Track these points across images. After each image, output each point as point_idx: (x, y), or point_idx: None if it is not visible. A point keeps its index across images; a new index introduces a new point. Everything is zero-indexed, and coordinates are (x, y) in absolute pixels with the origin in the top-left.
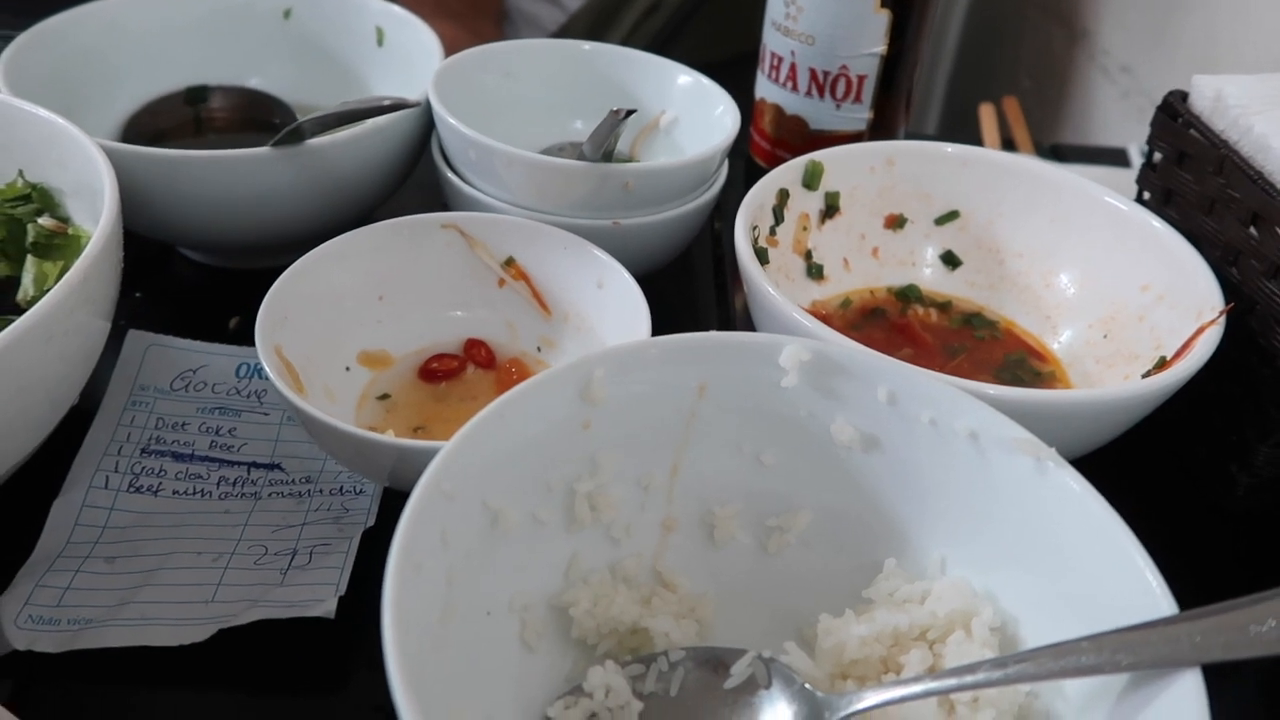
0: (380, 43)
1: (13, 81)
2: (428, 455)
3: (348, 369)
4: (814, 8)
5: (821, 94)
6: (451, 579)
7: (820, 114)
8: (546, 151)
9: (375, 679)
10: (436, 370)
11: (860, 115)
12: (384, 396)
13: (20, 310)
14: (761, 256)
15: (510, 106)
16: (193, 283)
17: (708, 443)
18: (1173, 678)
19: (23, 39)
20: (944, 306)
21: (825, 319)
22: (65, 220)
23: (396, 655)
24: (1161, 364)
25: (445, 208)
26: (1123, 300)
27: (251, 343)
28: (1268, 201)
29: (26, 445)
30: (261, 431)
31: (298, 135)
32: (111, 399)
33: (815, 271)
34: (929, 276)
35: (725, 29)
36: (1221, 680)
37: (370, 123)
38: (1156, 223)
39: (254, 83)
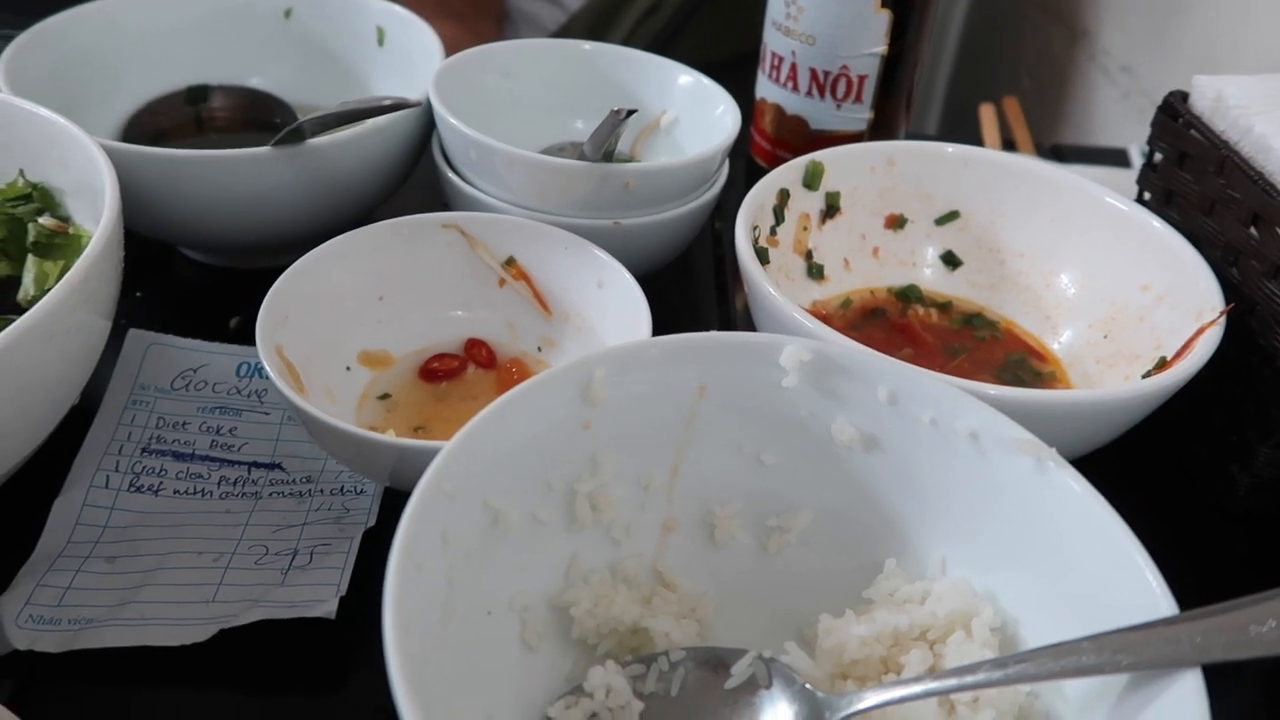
0: (381, 42)
1: (13, 81)
2: (428, 455)
3: (348, 369)
4: (814, 8)
5: (822, 94)
6: (452, 579)
7: (821, 114)
8: (547, 151)
9: (376, 679)
10: (437, 370)
11: (861, 115)
12: (385, 396)
13: (21, 310)
14: (762, 256)
15: (511, 106)
16: (193, 282)
17: (708, 443)
18: (1173, 678)
19: (23, 38)
20: (944, 307)
21: (826, 319)
22: (66, 220)
23: (397, 655)
24: (1162, 364)
25: (446, 208)
26: (1123, 300)
27: (252, 342)
28: (1268, 202)
29: (27, 445)
30: (262, 431)
31: (298, 135)
32: (112, 398)
33: (816, 271)
34: (929, 276)
35: (726, 29)
36: (1222, 681)
37: (371, 122)
38: (1157, 223)
39: (255, 82)
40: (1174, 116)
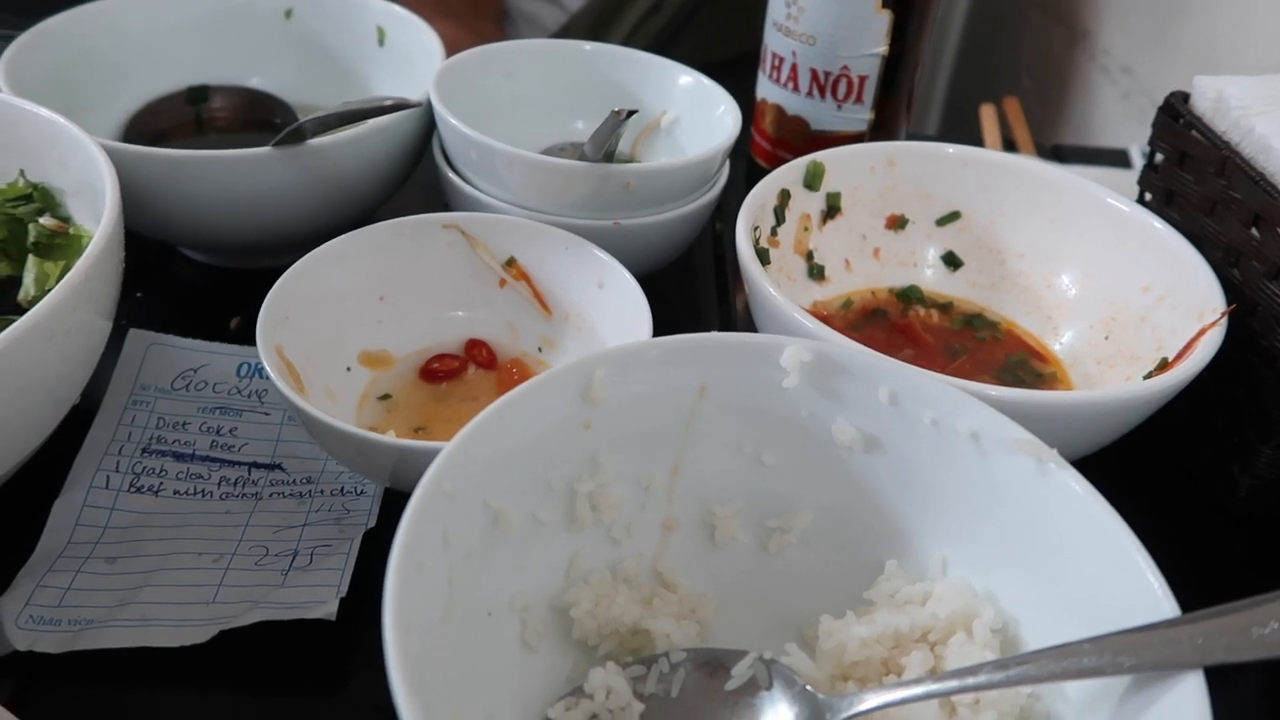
0: (381, 43)
1: (14, 81)
2: (429, 456)
3: (349, 369)
4: (815, 8)
5: (823, 94)
6: (452, 579)
7: (821, 114)
8: (547, 152)
9: (376, 679)
10: (437, 370)
11: (861, 116)
12: (385, 397)
13: (21, 310)
14: (763, 257)
15: (511, 107)
16: (194, 282)
17: (708, 443)
18: (1174, 680)
19: (24, 39)
20: (945, 307)
21: (826, 320)
22: (66, 220)
23: (397, 655)
24: (1163, 365)
25: (446, 208)
26: (1124, 301)
27: (252, 342)
28: (1269, 203)
29: (28, 445)
30: (262, 431)
31: (299, 135)
32: (112, 398)
33: (816, 272)
34: (930, 277)
35: (726, 29)
36: (1223, 682)
37: (371, 123)
38: (1158, 224)
39: (255, 82)
40: (1175, 117)
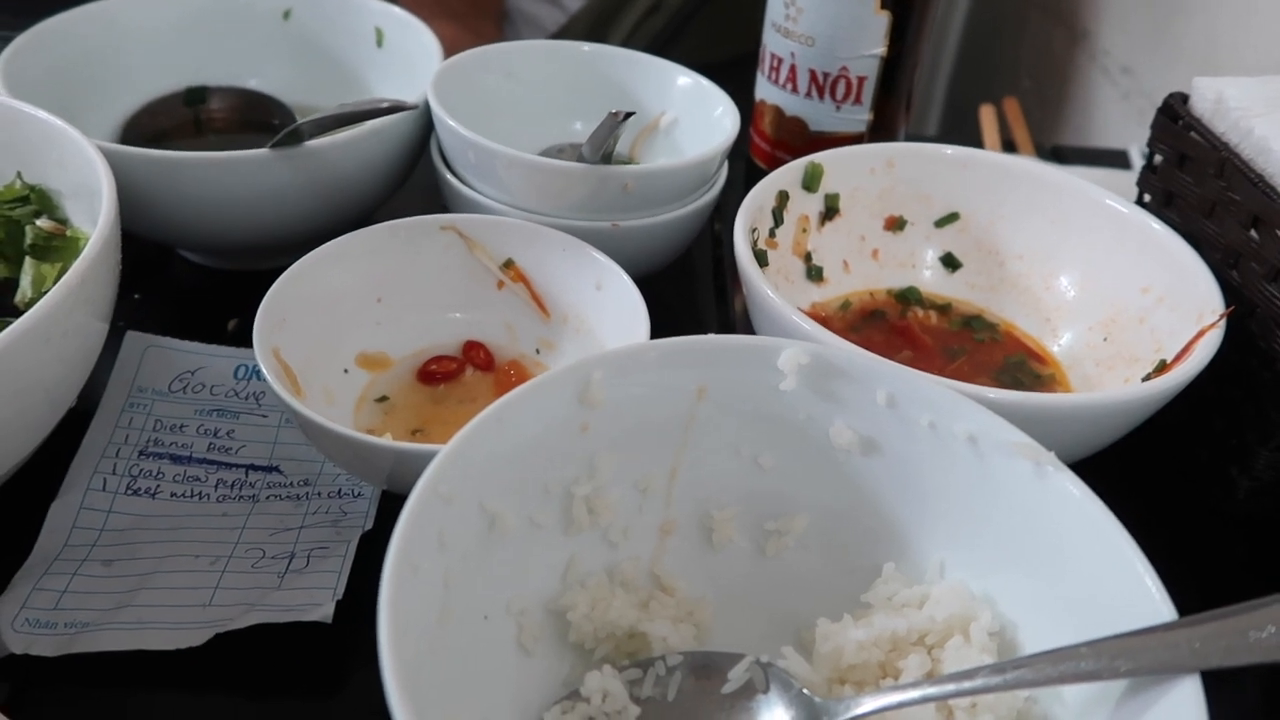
0: (380, 44)
1: (12, 82)
2: (425, 458)
3: (346, 371)
4: (814, 9)
5: (821, 95)
6: (449, 582)
7: (820, 115)
8: (546, 153)
9: (373, 682)
10: (435, 372)
11: (860, 117)
12: (382, 399)
13: (18, 312)
14: (761, 259)
15: (510, 107)
16: (191, 284)
17: (706, 445)
18: (1172, 684)
19: (22, 40)
20: (944, 309)
21: (825, 321)
22: (64, 222)
23: (392, 658)
24: (1162, 367)
25: (444, 209)
26: (1123, 303)
27: (250, 344)
28: (1268, 204)
29: (24, 447)
30: (260, 434)
31: (296, 137)
32: (109, 400)
33: (815, 273)
34: (929, 278)
35: (726, 30)
36: (1221, 686)
37: (369, 124)
38: (1157, 225)
39: (253, 83)
40: (1174, 118)
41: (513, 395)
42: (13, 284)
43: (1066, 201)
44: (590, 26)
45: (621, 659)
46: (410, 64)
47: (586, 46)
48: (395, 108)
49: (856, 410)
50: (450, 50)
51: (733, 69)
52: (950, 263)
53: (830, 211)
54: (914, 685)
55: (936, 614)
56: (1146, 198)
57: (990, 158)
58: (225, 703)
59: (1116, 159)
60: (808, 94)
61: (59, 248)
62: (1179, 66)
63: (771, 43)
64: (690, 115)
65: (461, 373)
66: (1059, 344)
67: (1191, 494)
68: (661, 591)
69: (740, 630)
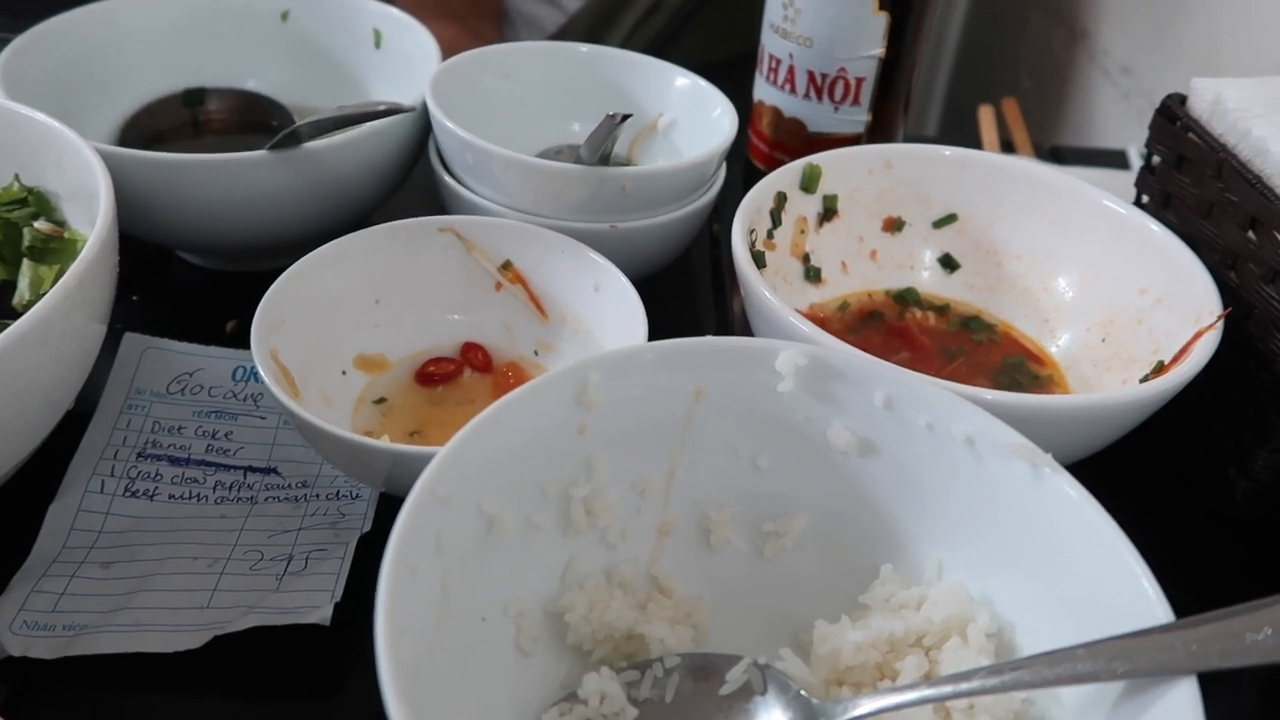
0: (378, 45)
1: (10, 84)
2: (423, 460)
3: (344, 373)
4: (812, 10)
5: (820, 96)
6: (446, 584)
7: (818, 116)
8: (544, 154)
9: (371, 685)
10: (433, 374)
11: (858, 118)
12: (380, 400)
13: (16, 314)
14: (759, 260)
15: (508, 109)
16: (190, 286)
17: (704, 447)
18: (1169, 686)
19: (19, 41)
20: (942, 309)
21: (823, 322)
22: (61, 224)
23: (389, 661)
24: (1159, 368)
25: (443, 211)
26: (1121, 304)
27: (248, 346)
28: (1266, 206)
29: (23, 449)
30: (258, 435)
31: (295, 138)
32: (108, 402)
33: (813, 274)
34: (927, 279)
35: (725, 30)
36: (1217, 688)
37: (367, 126)
38: (1155, 226)
39: (251, 84)
40: (1172, 119)
41: (511, 397)
42: (10, 286)
43: (1065, 202)
44: (589, 27)
45: (619, 660)
46: (409, 65)
47: (584, 48)
48: (391, 110)
49: (854, 412)
50: (449, 51)
51: (731, 70)
52: (948, 264)
53: (828, 212)
54: (911, 687)
55: (934, 615)
56: (1145, 199)
57: (988, 158)
58: (223, 705)
59: (1115, 159)
60: (806, 95)
61: (57, 250)
62: (1179, 67)
63: (770, 44)
64: (688, 116)
65: (460, 374)
66: (1057, 345)
67: (1189, 495)
68: (659, 593)
69: (738, 632)
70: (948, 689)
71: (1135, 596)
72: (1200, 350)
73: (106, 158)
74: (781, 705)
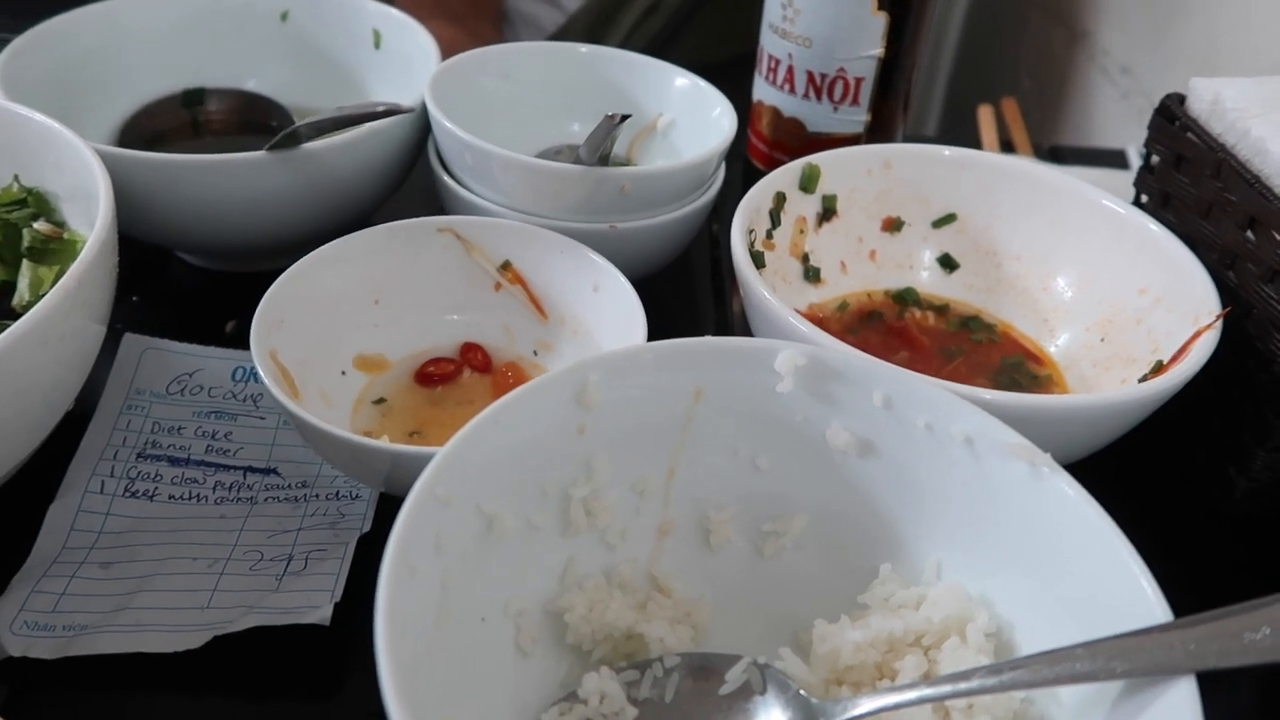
0: (378, 45)
1: (9, 85)
2: (423, 460)
3: (343, 373)
4: (811, 10)
5: (819, 96)
6: (446, 584)
7: (818, 116)
8: (543, 154)
9: (371, 684)
10: (433, 374)
11: (858, 118)
12: (380, 401)
13: (16, 315)
14: (758, 260)
15: (508, 109)
16: (189, 286)
17: (703, 447)
18: (1167, 685)
19: (19, 42)
20: (941, 309)
21: (822, 322)
22: (61, 225)
23: (389, 660)
24: (1158, 368)
25: (442, 211)
26: (1120, 303)
27: (248, 346)
28: (1265, 205)
29: (22, 449)
30: (257, 436)
31: (294, 139)
32: (107, 403)
33: (812, 275)
34: (926, 279)
35: (724, 30)
36: (1216, 688)
37: (367, 126)
38: (1154, 226)
39: (251, 85)
40: (1171, 119)
41: (510, 397)
42: (10, 287)
43: (1064, 202)
44: (589, 27)
45: (619, 660)
46: (408, 65)
47: (584, 48)
48: (390, 111)
49: (853, 412)
50: (449, 51)
51: (731, 70)
52: (948, 263)
53: (828, 212)
54: (911, 686)
55: (933, 615)
56: (1144, 198)
57: (988, 158)
58: (223, 705)
59: (1114, 159)
60: (805, 95)
61: (56, 250)
62: (1178, 67)
63: (769, 44)
64: (688, 116)
65: (459, 374)
66: (1056, 345)
67: (1188, 495)
68: (659, 593)
69: (737, 631)
70: (947, 688)
71: (1134, 596)
72: (1199, 350)
73: (106, 158)
74: (781, 705)
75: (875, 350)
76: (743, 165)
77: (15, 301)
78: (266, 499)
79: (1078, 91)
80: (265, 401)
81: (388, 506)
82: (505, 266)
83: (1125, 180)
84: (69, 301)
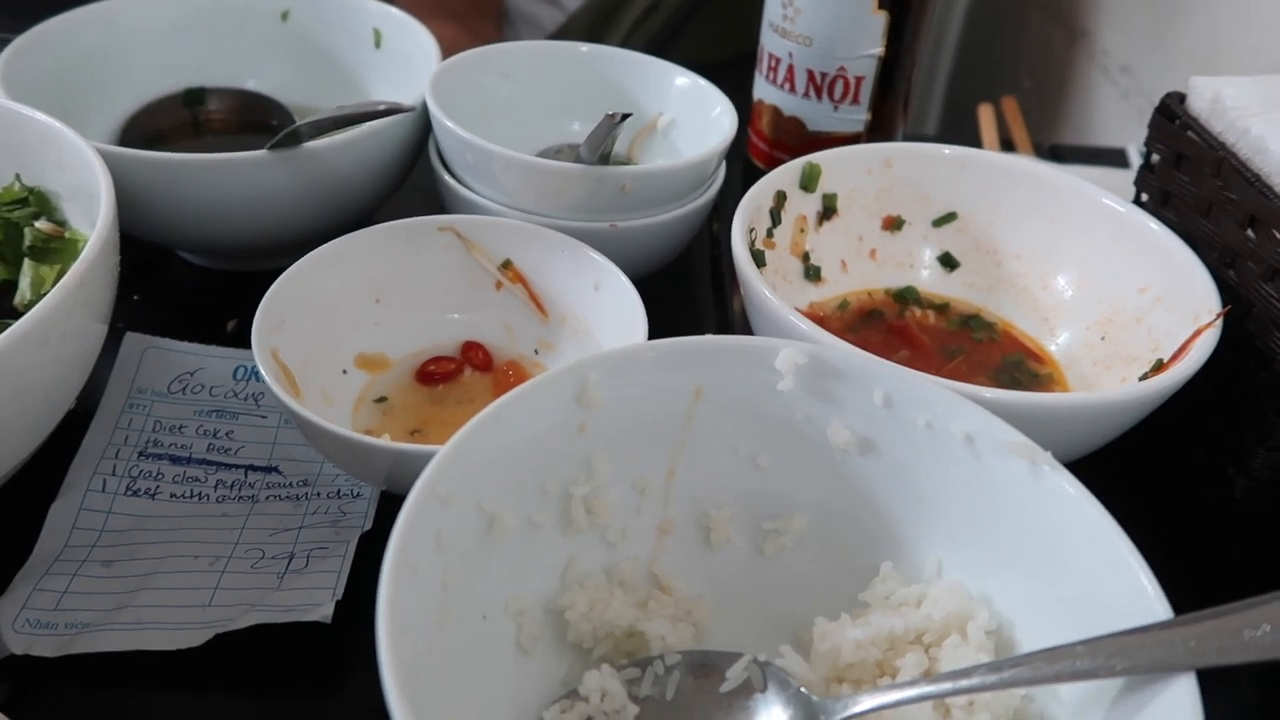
0: (378, 44)
1: (11, 84)
2: (424, 459)
3: (345, 372)
4: (811, 9)
5: (819, 95)
6: (447, 582)
7: (818, 115)
8: (544, 153)
9: (372, 682)
10: (434, 373)
11: (858, 117)
12: (381, 399)
13: (17, 314)
14: (759, 259)
15: (508, 108)
16: (190, 285)
17: (704, 446)
18: (1167, 682)
19: (20, 42)
20: (942, 308)
21: (822, 321)
22: (62, 224)
23: (390, 659)
24: (1159, 366)
25: (443, 210)
26: (1120, 302)
27: (249, 345)
28: (1265, 204)
29: (24, 448)
30: (259, 434)
31: (295, 138)
32: (109, 401)
33: (813, 273)
34: (927, 278)
35: (725, 29)
36: (1216, 685)
37: (367, 126)
38: (1154, 225)
39: (251, 84)
40: (1171, 118)
41: (511, 396)
42: (11, 286)
43: (1064, 201)
44: (589, 26)
45: (620, 658)
46: (408, 65)
47: (584, 47)
48: (390, 110)
49: (854, 410)
50: (449, 51)
51: (731, 69)
52: (948, 262)
53: (828, 211)
54: (911, 684)
55: (934, 613)
56: (1144, 197)
57: (988, 157)
58: (225, 703)
59: (1115, 158)
60: (805, 94)
61: (58, 250)
62: (1178, 66)
63: (769, 43)
64: (688, 115)
65: (460, 373)
66: (1056, 343)
67: (1188, 493)
68: (660, 591)
69: (738, 629)
70: (947, 686)
71: (1134, 594)
72: (1199, 348)
73: (107, 158)
74: (782, 702)
75: (876, 349)
76: (743, 164)
77: (17, 300)
78: (268, 497)
79: (1078, 91)
80: (266, 400)
81: (389, 505)
82: (506, 265)
83: (1126, 179)
84: (70, 300)
